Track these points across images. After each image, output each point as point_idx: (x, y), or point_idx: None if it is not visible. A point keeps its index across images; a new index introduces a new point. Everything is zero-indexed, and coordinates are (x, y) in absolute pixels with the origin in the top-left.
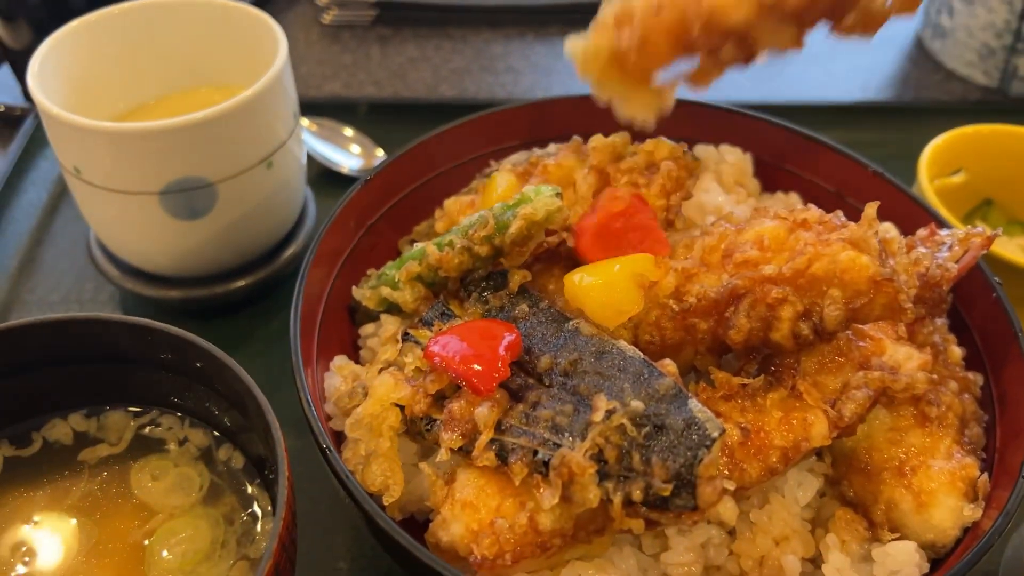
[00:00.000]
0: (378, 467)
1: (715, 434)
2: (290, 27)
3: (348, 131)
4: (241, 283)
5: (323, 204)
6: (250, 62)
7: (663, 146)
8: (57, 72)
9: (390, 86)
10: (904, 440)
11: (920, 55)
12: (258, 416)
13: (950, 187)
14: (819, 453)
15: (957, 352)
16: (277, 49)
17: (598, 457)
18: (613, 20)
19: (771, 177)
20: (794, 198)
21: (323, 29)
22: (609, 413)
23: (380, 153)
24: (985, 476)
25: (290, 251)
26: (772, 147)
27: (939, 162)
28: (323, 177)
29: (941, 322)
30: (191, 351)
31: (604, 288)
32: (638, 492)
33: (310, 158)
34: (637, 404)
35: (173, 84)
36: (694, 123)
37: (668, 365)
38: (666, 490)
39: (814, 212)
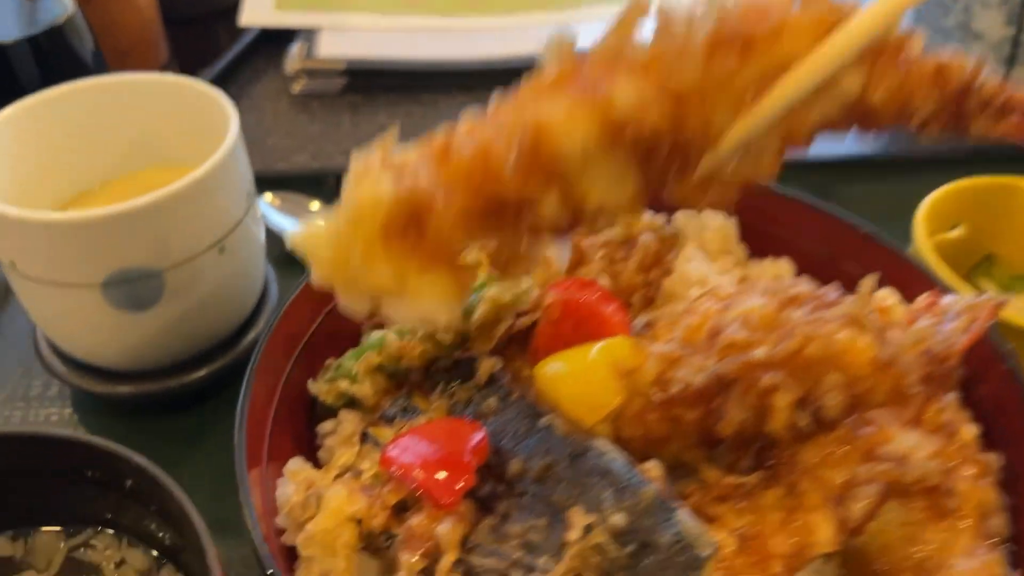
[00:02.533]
0: None
1: (705, 553)
2: (258, 99)
3: (315, 205)
4: (197, 375)
5: (286, 284)
6: (202, 140)
7: (640, 221)
8: None
9: None
10: (920, 536)
11: None
12: (195, 540)
13: (948, 243)
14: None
15: (970, 432)
16: (228, 126)
17: None
18: (382, 166)
19: (759, 242)
20: (784, 264)
21: (292, 100)
22: (587, 529)
23: None
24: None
25: (250, 336)
26: (757, 210)
27: (936, 218)
28: (287, 255)
29: (950, 398)
30: (121, 466)
31: (578, 380)
32: None
33: (273, 235)
34: (618, 518)
35: (120, 167)
36: None
37: (651, 469)
38: None
39: (805, 287)
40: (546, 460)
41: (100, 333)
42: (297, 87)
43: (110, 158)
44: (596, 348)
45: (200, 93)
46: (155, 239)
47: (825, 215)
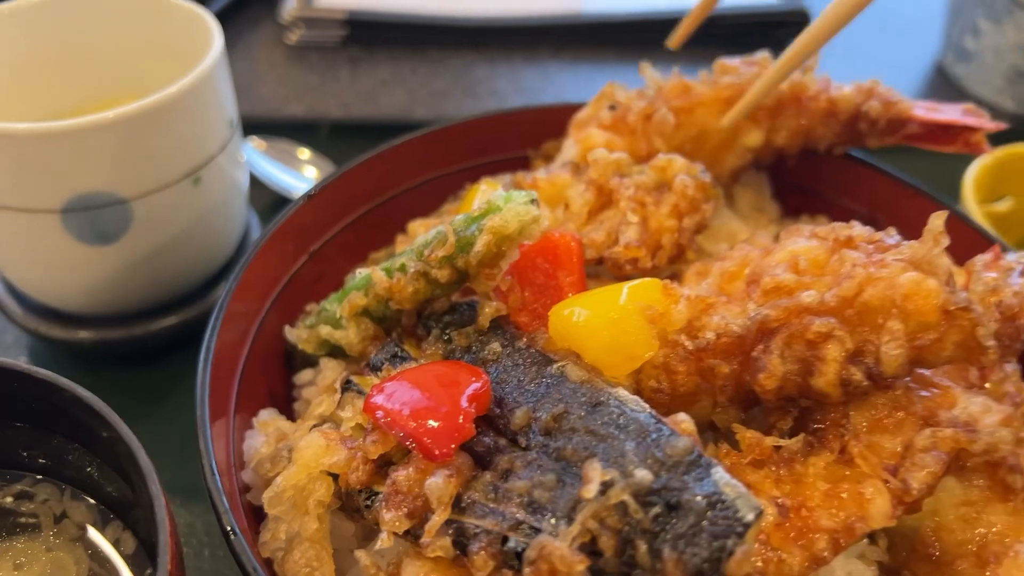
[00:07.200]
0: (302, 555)
1: (749, 517)
2: (252, 47)
3: (304, 152)
4: (166, 322)
5: None
6: (182, 64)
7: (676, 163)
8: None
9: (359, 109)
10: (982, 518)
11: (941, 82)
12: (142, 487)
13: (996, 215)
14: (872, 535)
15: None
16: (211, 46)
17: (590, 548)
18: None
19: (793, 199)
20: (824, 224)
21: (288, 50)
22: (605, 486)
23: None
24: None
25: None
26: (791, 166)
27: (983, 186)
28: (274, 204)
29: (1012, 368)
30: (56, 399)
31: (611, 327)
32: None
33: (259, 184)
34: (643, 474)
35: (91, 92)
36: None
37: (683, 422)
38: None
39: (861, 229)
40: (556, 410)
41: (59, 268)
42: (294, 37)
43: (80, 82)
44: (625, 291)
45: (181, 10)
46: (121, 161)
47: (868, 168)
